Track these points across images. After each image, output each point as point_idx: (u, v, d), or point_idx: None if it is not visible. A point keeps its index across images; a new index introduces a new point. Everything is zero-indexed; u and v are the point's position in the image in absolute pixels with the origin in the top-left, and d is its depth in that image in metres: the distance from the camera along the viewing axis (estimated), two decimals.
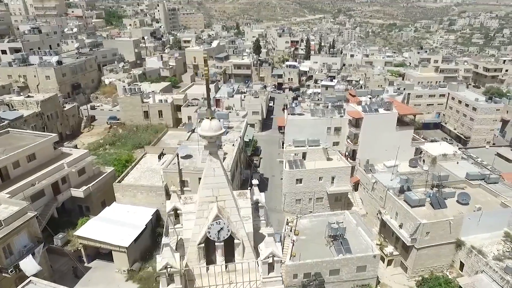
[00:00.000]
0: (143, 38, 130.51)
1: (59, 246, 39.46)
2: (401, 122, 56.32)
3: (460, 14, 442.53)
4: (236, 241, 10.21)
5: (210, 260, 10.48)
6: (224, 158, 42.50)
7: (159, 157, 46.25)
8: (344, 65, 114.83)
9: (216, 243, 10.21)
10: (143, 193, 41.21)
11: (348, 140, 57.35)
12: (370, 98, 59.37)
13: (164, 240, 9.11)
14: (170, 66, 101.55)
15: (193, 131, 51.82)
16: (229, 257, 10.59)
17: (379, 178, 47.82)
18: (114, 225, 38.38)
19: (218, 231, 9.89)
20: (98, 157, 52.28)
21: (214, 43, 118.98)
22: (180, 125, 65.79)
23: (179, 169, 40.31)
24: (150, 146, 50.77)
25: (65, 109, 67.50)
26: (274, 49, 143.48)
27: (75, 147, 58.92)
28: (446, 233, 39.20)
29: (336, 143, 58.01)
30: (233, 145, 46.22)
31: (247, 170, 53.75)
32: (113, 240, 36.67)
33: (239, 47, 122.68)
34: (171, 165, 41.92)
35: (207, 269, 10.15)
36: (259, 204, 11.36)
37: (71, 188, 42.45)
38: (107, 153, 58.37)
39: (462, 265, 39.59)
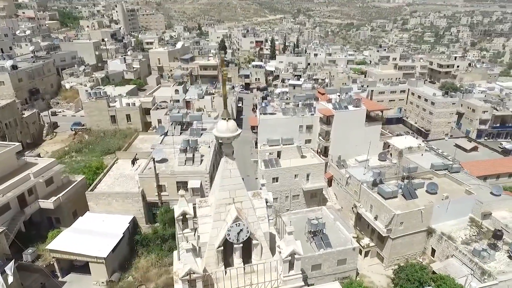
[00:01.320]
0: (103, 40, 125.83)
1: (29, 262, 37.23)
2: (369, 118, 58.46)
3: (412, 14, 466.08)
4: (254, 241, 10.20)
5: (227, 263, 10.40)
6: (201, 161, 42.02)
7: (133, 163, 44.88)
8: (309, 64, 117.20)
9: (234, 245, 10.15)
10: (119, 201, 39.80)
11: (320, 137, 58.65)
12: (338, 95, 61.07)
13: (186, 245, 8.92)
14: (134, 69, 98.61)
15: (165, 134, 50.75)
16: (245, 258, 10.56)
17: (353, 173, 49.34)
18: (90, 236, 36.76)
19: (238, 233, 9.85)
20: (65, 165, 49.75)
21: (179, 44, 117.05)
22: (150, 128, 64.10)
23: (156, 174, 39.37)
24: (121, 152, 49.08)
25: (24, 116, 63.61)
26: (239, 50, 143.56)
27: (38, 156, 55.69)
28: (418, 222, 41.23)
29: (308, 141, 59.10)
30: (209, 147, 45.79)
31: None
32: (90, 251, 35.14)
33: (204, 48, 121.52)
34: (146, 170, 40.83)
35: (225, 272, 10.06)
36: (268, 204, 11.43)
37: (39, 200, 40.13)
38: (74, 161, 55.75)
39: (433, 251, 41.80)
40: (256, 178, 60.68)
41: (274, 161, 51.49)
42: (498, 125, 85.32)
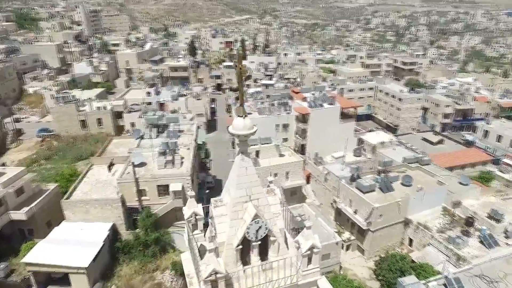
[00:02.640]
0: (65, 42, 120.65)
1: (2, 277, 35.15)
2: (343, 115, 59.97)
3: (373, 14, 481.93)
4: (271, 238, 10.24)
5: (244, 261, 10.37)
6: (181, 163, 41.40)
7: (109, 168, 43.44)
8: (279, 63, 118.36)
9: (253, 243, 10.14)
10: (97, 208, 38.39)
11: (297, 135, 59.47)
12: (313, 94, 62.18)
13: (209, 245, 8.81)
14: (102, 71, 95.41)
15: (142, 137, 49.53)
16: (261, 255, 10.59)
17: (331, 169, 50.44)
18: (68, 246, 35.22)
19: (257, 230, 9.85)
20: (35, 173, 47.33)
21: (147, 46, 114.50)
22: (124, 132, 62.34)
23: (135, 178, 38.37)
24: (96, 157, 47.36)
25: None
26: (208, 50, 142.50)
27: (3, 165, 52.61)
28: (395, 214, 42.80)
29: (285, 139, 59.73)
30: (188, 148, 45.19)
31: (202, 173, 52.91)
32: (69, 261, 33.68)
33: (173, 49, 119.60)
34: (125, 175, 39.68)
35: (244, 271, 10.04)
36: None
37: (9, 211, 37.93)
38: (44, 169, 53.12)
39: (411, 241, 43.55)
40: None
41: (253, 160, 51.65)
42: (460, 118, 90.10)
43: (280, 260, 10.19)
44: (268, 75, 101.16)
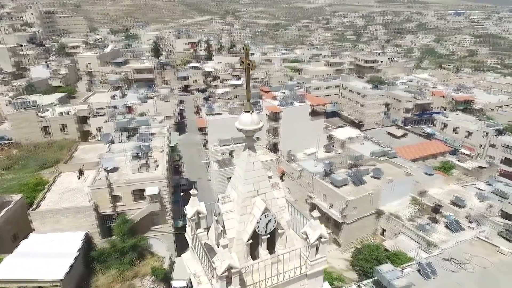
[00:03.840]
0: (18, 45, 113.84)
1: None
2: (313, 112, 61.34)
3: (333, 14, 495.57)
4: (280, 231, 10.43)
5: (253, 255, 10.50)
6: (156, 166, 40.56)
7: (79, 175, 41.67)
8: None
9: (262, 237, 10.28)
10: (68, 217, 36.73)
11: (269, 134, 60.08)
12: (283, 92, 63.07)
13: (223, 241, 8.83)
14: (61, 75, 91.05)
15: (111, 142, 47.95)
16: (269, 248, 10.77)
17: (304, 165, 51.49)
18: (39, 259, 33.42)
19: (266, 224, 10.01)
20: None
21: (109, 48, 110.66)
22: (90, 137, 59.97)
23: (109, 184, 37.11)
24: (63, 164, 45.24)
25: None
26: (172, 52, 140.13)
27: None
28: (368, 206, 44.51)
29: (257, 138, 60.11)
30: (162, 151, 44.33)
31: (176, 176, 52.10)
32: (42, 275, 31.93)
33: (136, 51, 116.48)
34: (97, 181, 38.23)
35: (253, 265, 10.17)
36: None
37: None
38: (3, 179, 49.99)
39: (383, 231, 45.47)
40: (208, 180, 60.37)
41: (228, 160, 51.63)
42: (419, 112, 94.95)
43: (288, 252, 10.41)
44: (235, 75, 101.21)
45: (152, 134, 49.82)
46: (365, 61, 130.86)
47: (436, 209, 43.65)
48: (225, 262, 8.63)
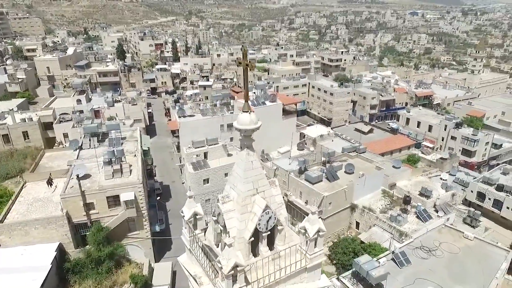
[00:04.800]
0: None
1: None
2: (285, 111, 62.21)
3: (296, 14, 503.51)
4: (279, 227, 10.67)
5: (253, 253, 10.68)
6: (130, 171, 39.60)
7: (49, 184, 39.84)
8: (214, 64, 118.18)
9: (262, 234, 10.47)
10: (39, 228, 35.09)
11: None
12: (254, 93, 63.45)
13: (228, 240, 8.93)
14: (20, 80, 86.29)
15: (80, 148, 46.26)
16: (268, 245, 10.98)
17: (279, 164, 52.12)
18: (8, 274, 31.74)
19: (267, 221, 10.20)
20: None
21: (70, 50, 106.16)
22: (56, 144, 57.41)
23: (82, 192, 35.82)
24: (29, 174, 43.09)
25: None
26: (137, 54, 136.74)
27: None
28: (343, 200, 45.81)
29: (231, 139, 60.15)
30: (135, 155, 43.34)
31: (150, 180, 51.05)
32: None
33: (99, 53, 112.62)
34: (68, 189, 36.79)
35: (256, 262, 10.34)
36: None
37: None
38: None
39: (358, 224, 46.97)
40: (183, 183, 59.62)
41: (203, 162, 51.27)
42: (384, 108, 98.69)
43: (287, 247, 10.68)
44: (204, 77, 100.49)
45: (124, 138, 48.60)
46: (331, 60, 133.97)
47: (406, 200, 45.70)
48: (231, 260, 8.75)
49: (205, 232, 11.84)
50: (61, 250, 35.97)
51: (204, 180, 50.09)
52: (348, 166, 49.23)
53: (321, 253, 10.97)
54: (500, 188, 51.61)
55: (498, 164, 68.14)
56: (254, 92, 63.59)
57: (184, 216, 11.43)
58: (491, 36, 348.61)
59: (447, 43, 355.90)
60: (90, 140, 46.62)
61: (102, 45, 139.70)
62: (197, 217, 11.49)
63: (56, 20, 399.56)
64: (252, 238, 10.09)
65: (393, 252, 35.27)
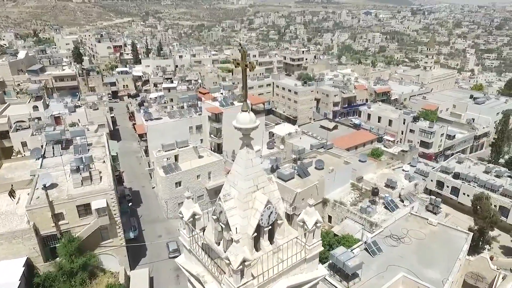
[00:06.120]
0: None
1: None
2: (253, 111, 62.58)
3: (255, 14, 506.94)
4: (279, 221, 11.05)
5: (255, 248, 10.98)
6: (101, 178, 38.31)
7: (11, 195, 37.58)
8: (176, 66, 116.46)
9: (264, 229, 10.79)
10: (3, 243, 33.05)
11: (212, 135, 60.04)
12: (221, 93, 63.45)
13: (236, 236, 9.14)
14: None
15: (43, 156, 44.03)
16: (269, 239, 11.33)
17: None
18: None
19: (269, 216, 10.54)
20: None
21: (21, 54, 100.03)
22: (14, 154, 54.10)
23: (49, 202, 34.17)
24: None
25: None
26: (95, 56, 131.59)
27: None
28: (315, 196, 47.03)
29: (200, 141, 59.84)
30: (104, 162, 41.95)
31: (120, 187, 49.57)
32: None
33: (54, 57, 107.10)
34: (34, 200, 34.94)
35: (261, 256, 10.65)
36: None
37: None
38: None
39: (330, 218, 48.49)
40: (153, 187, 58.49)
41: (174, 165, 50.59)
42: (346, 105, 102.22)
43: (287, 240, 11.10)
44: (167, 79, 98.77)
45: (90, 144, 46.83)
46: (293, 60, 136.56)
47: (375, 192, 47.84)
48: (240, 256, 9.00)
49: (203, 232, 11.98)
50: (29, 265, 34.11)
51: (176, 183, 49.45)
52: (318, 162, 50.66)
53: (319, 243, 11.50)
54: (456, 176, 55.49)
55: (452, 154, 73.13)
56: (222, 93, 63.59)
57: (183, 217, 11.50)
58: (438, 34, 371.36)
59: (400, 41, 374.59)
60: (53, 148, 44.46)
61: (56, 48, 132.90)
62: (195, 217, 11.60)
63: (0, 22, 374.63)
64: (255, 234, 10.41)
65: (365, 242, 36.82)
